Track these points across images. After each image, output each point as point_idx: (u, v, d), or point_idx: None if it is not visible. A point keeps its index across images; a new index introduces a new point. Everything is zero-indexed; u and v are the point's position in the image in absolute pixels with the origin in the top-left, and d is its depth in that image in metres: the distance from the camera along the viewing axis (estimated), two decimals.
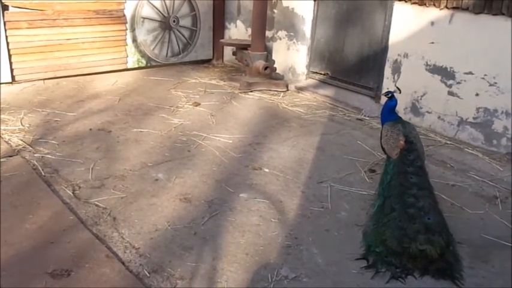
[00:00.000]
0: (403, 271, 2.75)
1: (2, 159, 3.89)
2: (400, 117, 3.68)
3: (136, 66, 6.80)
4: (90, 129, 4.66)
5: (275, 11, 6.64)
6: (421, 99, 5.10)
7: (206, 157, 4.18)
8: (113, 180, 3.70)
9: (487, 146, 4.62)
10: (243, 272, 2.73)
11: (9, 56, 5.73)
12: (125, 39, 6.57)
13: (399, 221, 2.88)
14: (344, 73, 5.95)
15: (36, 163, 3.88)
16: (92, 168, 3.85)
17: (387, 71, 5.40)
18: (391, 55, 5.33)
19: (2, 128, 4.51)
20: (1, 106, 5.05)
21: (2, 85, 5.68)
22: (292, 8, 6.38)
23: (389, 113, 3.63)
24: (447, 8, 4.69)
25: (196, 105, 5.50)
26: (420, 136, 3.65)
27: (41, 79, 6.01)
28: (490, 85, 4.51)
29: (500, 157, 4.45)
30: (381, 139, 3.60)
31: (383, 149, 3.54)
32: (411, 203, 2.93)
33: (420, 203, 2.93)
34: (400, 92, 3.64)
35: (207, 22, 7.32)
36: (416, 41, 5.04)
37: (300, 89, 6.24)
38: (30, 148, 4.15)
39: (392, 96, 3.59)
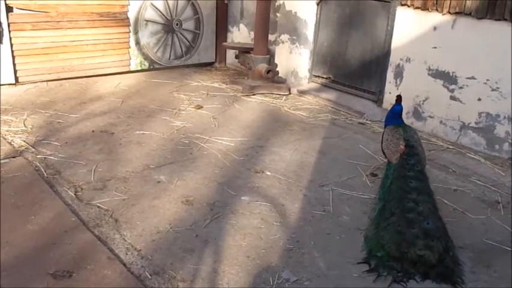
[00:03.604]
0: (404, 275, 2.75)
1: (4, 160, 3.90)
2: (403, 122, 3.70)
3: (139, 68, 6.82)
4: (93, 131, 4.67)
5: (278, 14, 6.65)
6: (423, 103, 5.10)
7: (208, 160, 4.19)
8: (115, 182, 3.71)
9: (489, 151, 4.62)
10: (244, 275, 2.73)
11: (13, 57, 5.74)
12: (128, 42, 6.59)
13: (398, 225, 2.87)
14: (346, 77, 5.96)
15: (38, 164, 3.89)
16: (94, 170, 3.86)
17: (389, 75, 5.40)
18: (394, 59, 5.33)
19: (4, 129, 4.52)
20: (4, 107, 5.07)
21: (5, 86, 5.70)
22: (295, 12, 6.39)
23: (392, 117, 3.67)
24: (450, 13, 4.70)
25: (198, 108, 5.51)
26: (422, 141, 3.66)
27: (44, 81, 6.02)
28: (493, 90, 4.51)
29: (502, 162, 4.45)
30: (381, 143, 3.60)
31: (384, 153, 3.55)
32: (411, 208, 2.92)
33: (420, 207, 2.91)
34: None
35: (210, 25, 7.34)
36: (419, 46, 5.04)
37: (302, 93, 6.25)
38: (33, 149, 4.16)
39: (400, 101, 3.64)
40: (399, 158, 3.29)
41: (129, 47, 6.62)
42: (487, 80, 4.53)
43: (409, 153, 3.29)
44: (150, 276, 2.68)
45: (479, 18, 4.49)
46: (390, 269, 2.77)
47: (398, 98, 3.66)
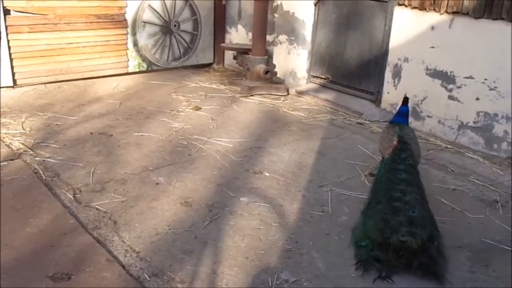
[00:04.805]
0: (389, 268, 2.72)
1: (3, 163, 3.90)
2: (407, 123, 3.75)
3: (137, 70, 6.82)
4: (91, 133, 4.66)
5: (276, 15, 6.66)
6: (421, 103, 5.11)
7: (207, 161, 4.19)
8: (113, 184, 3.71)
9: (487, 150, 4.63)
10: (243, 276, 2.73)
11: (11, 60, 5.74)
12: (126, 44, 6.59)
13: (383, 213, 2.87)
14: (345, 77, 5.97)
15: (37, 167, 3.89)
16: (92, 172, 3.86)
17: (388, 75, 5.41)
18: (392, 59, 5.34)
19: (3, 131, 4.52)
20: (2, 110, 5.06)
21: (3, 89, 5.69)
22: (293, 13, 6.40)
23: (397, 117, 3.77)
24: (447, 12, 4.71)
25: (197, 109, 5.51)
26: (420, 140, 3.68)
27: (42, 83, 6.02)
28: (490, 89, 4.52)
29: (501, 161, 4.45)
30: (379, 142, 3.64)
31: (380, 150, 3.58)
32: (397, 197, 2.93)
33: (407, 197, 2.92)
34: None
35: (208, 26, 7.34)
36: (417, 46, 5.05)
37: (300, 93, 6.25)
38: (31, 152, 4.16)
39: (406, 102, 3.75)
40: (391, 153, 3.32)
41: (127, 49, 6.62)
42: (485, 79, 4.54)
43: (402, 149, 3.34)
44: (149, 278, 2.68)
45: (476, 18, 4.50)
46: (375, 260, 2.75)
47: (405, 100, 3.74)
